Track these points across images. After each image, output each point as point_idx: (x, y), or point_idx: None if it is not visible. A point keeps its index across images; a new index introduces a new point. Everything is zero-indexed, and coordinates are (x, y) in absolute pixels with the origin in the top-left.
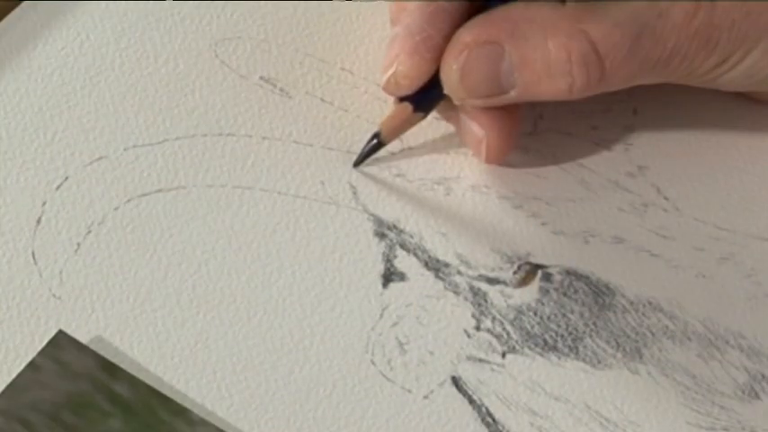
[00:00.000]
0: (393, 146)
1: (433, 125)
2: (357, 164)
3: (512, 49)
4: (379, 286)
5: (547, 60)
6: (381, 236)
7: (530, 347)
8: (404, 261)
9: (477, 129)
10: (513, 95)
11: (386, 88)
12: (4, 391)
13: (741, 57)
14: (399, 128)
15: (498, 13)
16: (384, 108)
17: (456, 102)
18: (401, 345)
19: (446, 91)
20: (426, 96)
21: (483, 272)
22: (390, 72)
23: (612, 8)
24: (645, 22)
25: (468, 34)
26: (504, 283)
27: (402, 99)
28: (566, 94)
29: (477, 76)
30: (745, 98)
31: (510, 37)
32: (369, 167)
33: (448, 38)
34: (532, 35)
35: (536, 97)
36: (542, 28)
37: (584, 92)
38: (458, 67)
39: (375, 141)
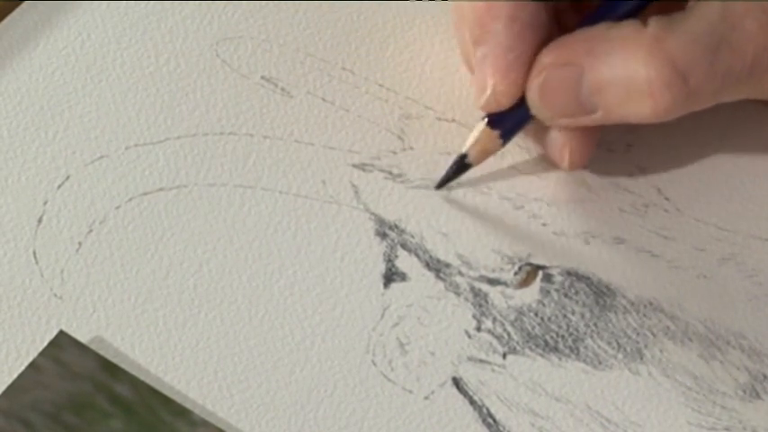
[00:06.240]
0: (395, 145)
1: (434, 126)
2: (440, 186)
3: (590, 70)
4: (381, 286)
5: (627, 84)
6: (383, 236)
7: (530, 348)
8: (405, 261)
9: (558, 135)
10: (599, 117)
11: (485, 107)
12: (5, 392)
13: None
14: (487, 152)
15: (580, 35)
16: (385, 108)
17: (545, 122)
18: (402, 345)
19: (532, 111)
20: (512, 118)
21: (484, 272)
22: (489, 92)
23: (690, 20)
24: (721, 35)
25: (548, 55)
26: (505, 283)
27: (490, 119)
28: (650, 116)
29: (556, 97)
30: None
31: (589, 58)
32: (368, 168)
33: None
34: (612, 57)
35: (622, 120)
36: (622, 50)
37: (670, 113)
38: (537, 88)
39: (461, 163)
